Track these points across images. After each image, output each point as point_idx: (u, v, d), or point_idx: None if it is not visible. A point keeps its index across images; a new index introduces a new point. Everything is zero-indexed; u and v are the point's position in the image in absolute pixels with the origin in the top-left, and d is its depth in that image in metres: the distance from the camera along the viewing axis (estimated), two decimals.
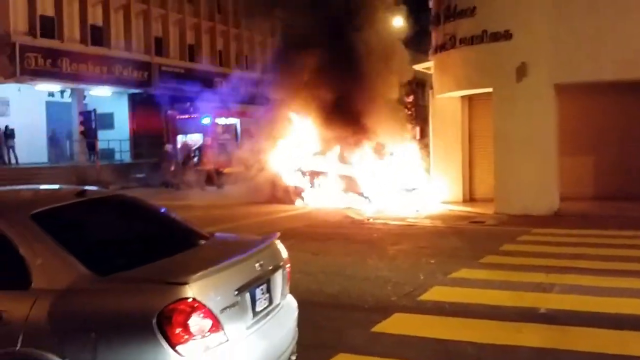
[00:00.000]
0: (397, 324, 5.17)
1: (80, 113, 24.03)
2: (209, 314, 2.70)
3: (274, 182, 16.00)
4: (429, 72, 15.62)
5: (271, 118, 16.98)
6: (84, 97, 26.02)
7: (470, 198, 14.58)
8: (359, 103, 15.69)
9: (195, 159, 22.66)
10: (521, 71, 11.99)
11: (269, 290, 3.28)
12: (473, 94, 14.11)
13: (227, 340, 2.79)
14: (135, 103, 27.84)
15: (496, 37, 12.28)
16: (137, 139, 27.41)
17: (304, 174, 15.91)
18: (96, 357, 2.59)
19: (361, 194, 14.68)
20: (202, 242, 3.52)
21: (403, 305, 5.75)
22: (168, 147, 22.84)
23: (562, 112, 12.61)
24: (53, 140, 25.48)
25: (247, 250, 3.19)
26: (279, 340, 3.26)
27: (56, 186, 4.19)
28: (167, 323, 2.59)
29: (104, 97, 26.92)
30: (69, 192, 3.53)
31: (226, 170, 20.58)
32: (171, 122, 24.23)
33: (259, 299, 3.15)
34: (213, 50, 32.58)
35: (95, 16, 26.10)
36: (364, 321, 5.20)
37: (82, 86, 25.31)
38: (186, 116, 23.68)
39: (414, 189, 14.70)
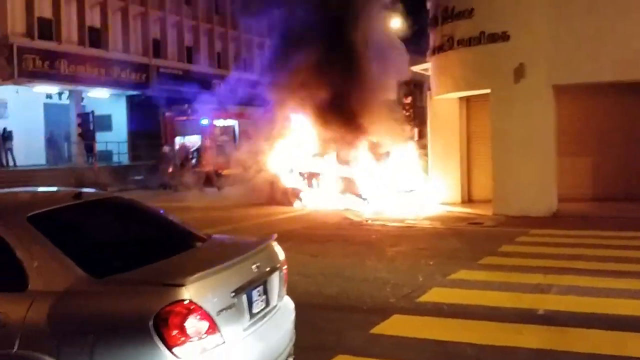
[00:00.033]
0: (396, 326, 5.17)
1: (78, 115, 24.01)
2: (206, 315, 2.70)
3: (272, 184, 15.99)
4: (427, 73, 15.64)
5: (269, 119, 16.99)
6: (82, 98, 25.99)
7: (468, 199, 14.59)
8: (357, 104, 15.70)
9: (194, 161, 22.65)
10: (519, 72, 12.00)
11: (265, 292, 3.27)
12: (471, 95, 14.12)
13: (224, 342, 2.79)
14: (133, 105, 27.82)
15: (494, 38, 12.30)
16: (135, 141, 27.37)
17: (302, 175, 15.90)
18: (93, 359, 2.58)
19: (359, 196, 14.68)
20: (199, 244, 3.52)
21: (402, 306, 5.74)
22: (166, 148, 22.82)
23: (562, 113, 12.62)
24: (51, 142, 25.45)
25: (243, 252, 3.19)
26: (276, 342, 3.26)
27: (53, 188, 4.18)
28: (164, 325, 2.59)
29: (102, 98, 26.90)
30: (66, 194, 3.53)
31: (224, 172, 20.57)
32: (169, 123, 24.21)
33: (256, 300, 3.14)
34: (211, 52, 32.58)
35: (93, 18, 26.09)
36: (362, 323, 5.19)
37: (80, 88, 25.29)
38: (184, 118, 23.67)
39: (412, 191, 14.71)
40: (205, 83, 27.90)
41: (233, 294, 2.92)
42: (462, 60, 13.14)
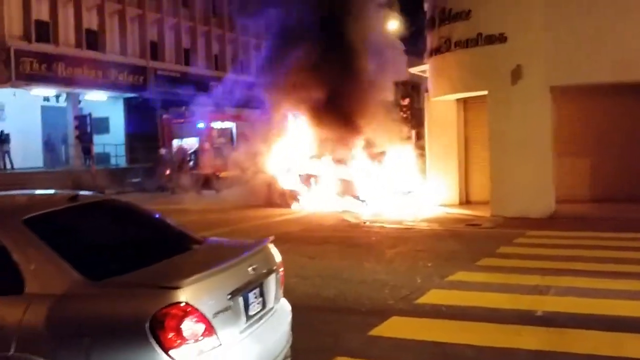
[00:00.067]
0: (394, 328, 5.16)
1: (76, 117, 23.96)
2: (202, 318, 2.70)
3: (270, 186, 15.99)
4: (425, 75, 15.66)
5: (267, 121, 16.99)
6: (79, 101, 25.96)
7: (466, 201, 14.60)
8: (354, 105, 15.71)
9: (191, 163, 22.62)
10: (516, 74, 12.03)
11: (262, 294, 3.27)
12: (468, 97, 14.14)
13: (220, 344, 2.78)
14: (131, 107, 27.81)
15: (491, 40, 12.32)
16: (133, 143, 27.35)
17: (300, 177, 15.90)
18: None
19: (357, 197, 14.68)
20: (195, 246, 3.51)
21: (400, 308, 5.73)
22: (162, 151, 22.79)
23: (560, 114, 12.65)
24: (48, 145, 25.40)
25: (239, 254, 3.19)
26: (272, 344, 3.25)
27: (50, 191, 4.17)
28: (160, 327, 2.58)
29: (100, 101, 26.87)
30: (62, 197, 3.53)
31: (222, 174, 20.55)
32: (167, 126, 24.18)
33: (252, 302, 3.14)
34: (209, 54, 32.59)
35: (91, 20, 26.08)
36: (361, 324, 5.18)
37: (77, 90, 25.26)
38: (182, 120, 23.64)
39: (410, 192, 14.71)
40: (202, 85, 27.91)
41: (229, 296, 2.91)
42: (459, 61, 13.16)
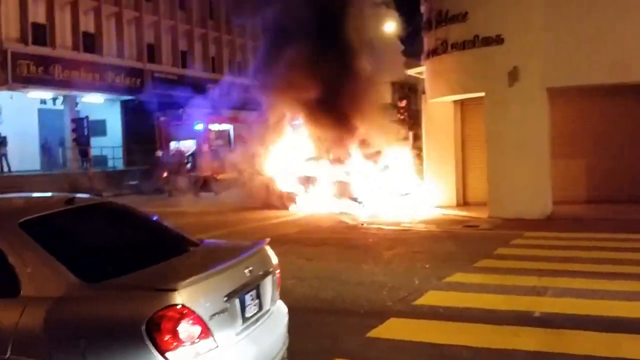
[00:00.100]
0: (392, 329, 5.16)
1: (73, 120, 23.92)
2: (198, 320, 2.69)
3: (268, 188, 15.98)
4: (422, 76, 15.69)
5: (264, 123, 16.98)
6: (76, 104, 25.94)
7: (463, 202, 14.62)
8: (351, 106, 15.72)
9: (189, 165, 22.61)
10: (513, 75, 12.06)
11: (258, 296, 3.27)
12: (466, 99, 14.17)
13: (217, 346, 2.78)
14: (128, 110, 27.78)
15: (488, 41, 12.35)
16: (130, 146, 27.32)
17: (297, 179, 15.89)
18: None
19: (355, 199, 14.68)
20: (192, 248, 3.51)
21: (398, 310, 5.73)
22: (159, 153, 22.77)
23: (556, 116, 12.68)
24: (45, 148, 25.35)
25: (236, 257, 3.19)
26: (269, 346, 3.25)
27: (47, 194, 4.16)
28: (156, 330, 2.58)
29: (97, 104, 26.84)
30: (58, 199, 3.52)
31: (220, 177, 20.54)
32: (164, 128, 24.17)
33: (249, 304, 3.14)
34: (205, 57, 32.60)
35: (87, 23, 26.06)
36: (359, 326, 5.18)
37: (74, 93, 25.23)
38: (179, 122, 23.63)
39: (407, 194, 14.72)
40: (199, 87, 27.89)
41: (226, 298, 2.91)
42: (456, 63, 13.19)
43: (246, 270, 3.16)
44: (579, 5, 11.68)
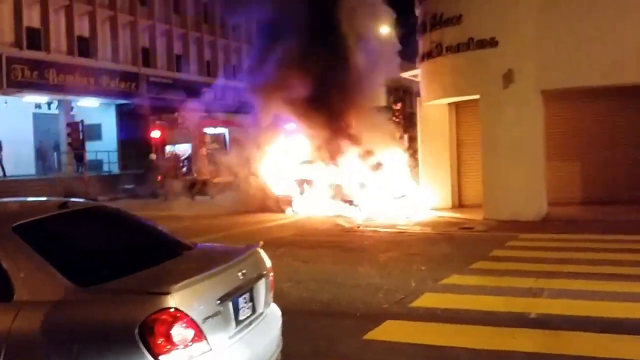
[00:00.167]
0: (389, 331, 5.15)
1: (68, 124, 23.84)
2: (192, 323, 2.69)
3: (264, 191, 15.96)
4: (416, 79, 15.72)
5: (259, 126, 16.96)
6: (71, 108, 25.83)
7: (459, 204, 14.64)
8: (346, 109, 15.73)
9: (184, 169, 22.57)
10: (508, 78, 12.10)
11: (252, 299, 3.27)
12: (460, 101, 14.20)
13: (210, 349, 2.78)
14: (123, 114, 27.72)
15: (482, 44, 12.39)
16: (125, 150, 27.25)
17: (293, 182, 15.88)
18: None
19: (351, 202, 14.68)
20: (186, 252, 3.51)
21: (394, 312, 5.73)
22: (152, 156, 22.73)
23: (550, 118, 12.73)
24: (40, 152, 25.25)
25: (229, 260, 3.19)
26: (262, 349, 3.25)
27: (41, 198, 4.15)
28: (150, 333, 2.57)
29: (92, 108, 26.77)
30: (52, 204, 3.52)
31: (215, 180, 20.50)
32: (159, 132, 24.11)
33: (242, 307, 3.14)
34: (200, 61, 32.58)
35: (82, 27, 26.00)
36: (355, 328, 5.17)
37: (69, 97, 25.16)
38: (174, 126, 23.58)
39: (403, 196, 14.73)
40: (194, 91, 27.83)
41: (219, 301, 2.91)
42: (451, 66, 13.23)
43: (239, 274, 3.16)
44: (573, 8, 11.73)
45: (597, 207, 12.71)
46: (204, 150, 23.01)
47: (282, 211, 15.04)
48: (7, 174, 22.58)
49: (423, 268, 7.69)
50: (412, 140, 18.05)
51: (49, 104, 25.56)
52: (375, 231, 11.48)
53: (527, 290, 6.33)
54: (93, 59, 26.09)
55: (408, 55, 17.31)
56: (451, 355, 4.53)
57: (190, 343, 2.68)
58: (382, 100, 17.67)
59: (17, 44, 23.13)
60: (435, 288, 6.63)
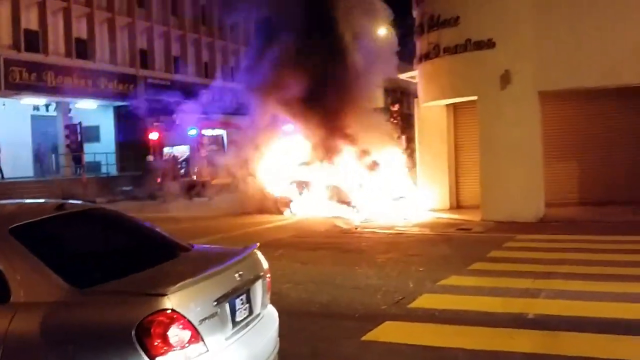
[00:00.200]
0: (388, 332, 5.15)
1: (66, 126, 23.84)
2: (188, 325, 2.69)
3: (262, 193, 15.95)
4: (414, 81, 15.74)
5: (257, 128, 16.97)
6: (69, 110, 25.80)
7: (457, 205, 14.66)
8: (344, 110, 15.74)
9: (182, 171, 22.58)
10: (505, 79, 12.12)
11: (249, 301, 3.27)
12: (458, 102, 14.23)
13: (207, 350, 2.78)
14: (121, 115, 27.70)
15: (480, 45, 12.42)
16: (123, 152, 27.23)
17: (291, 183, 15.88)
18: None
19: (349, 203, 14.69)
20: (183, 253, 3.51)
21: (393, 313, 5.73)
22: (150, 158, 22.73)
23: (547, 118, 12.75)
24: (38, 154, 25.22)
25: (226, 261, 3.19)
26: (259, 350, 3.25)
27: (38, 200, 4.14)
28: (146, 335, 2.57)
29: (90, 110, 26.75)
30: (49, 206, 3.52)
31: (214, 182, 20.51)
32: (157, 134, 24.12)
33: (239, 309, 3.14)
34: (199, 62, 32.58)
35: (80, 29, 25.99)
36: (354, 330, 5.17)
37: (67, 99, 25.13)
38: (172, 128, 23.60)
39: (401, 197, 14.75)
40: (192, 93, 27.85)
41: (215, 302, 2.91)
42: (448, 67, 13.25)
43: (236, 275, 3.16)
44: (571, 9, 11.76)
45: (595, 208, 12.73)
46: (203, 152, 23.03)
47: (281, 213, 15.04)
48: (5, 176, 22.54)
49: (421, 269, 7.70)
50: (410, 141, 18.08)
51: (47, 106, 25.53)
52: (374, 232, 11.48)
53: (524, 291, 6.34)
54: (91, 60, 26.08)
55: (406, 56, 17.35)
56: (449, 356, 4.54)
57: (187, 344, 2.68)
58: (379, 101, 17.66)
59: (15, 46, 23.11)
60: (433, 289, 6.63)
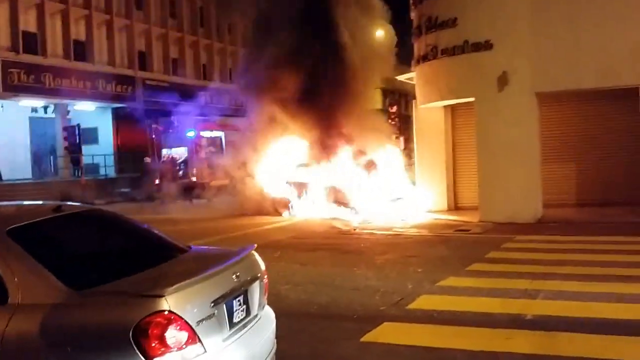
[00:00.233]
0: (386, 333, 5.16)
1: (64, 128, 23.82)
2: (186, 326, 2.69)
3: (261, 194, 15.95)
4: (412, 82, 15.76)
5: (256, 129, 16.97)
6: (68, 112, 25.80)
7: (455, 206, 14.67)
8: (342, 112, 15.75)
9: (181, 173, 22.57)
10: (502, 80, 12.14)
11: (246, 302, 3.27)
12: (456, 104, 14.24)
13: (205, 352, 2.78)
14: (119, 117, 27.68)
15: (477, 47, 12.44)
16: (122, 154, 27.21)
17: (290, 185, 15.89)
18: None
19: (347, 205, 14.69)
20: (180, 255, 3.52)
21: (392, 314, 5.74)
22: (147, 160, 22.71)
23: (545, 120, 12.78)
24: (37, 156, 25.19)
25: (223, 262, 3.19)
26: (257, 351, 3.25)
27: (35, 202, 4.14)
28: (144, 336, 2.57)
29: (88, 111, 26.73)
30: (46, 207, 3.51)
31: (212, 183, 20.50)
32: (156, 136, 24.13)
33: (236, 310, 3.14)
34: (197, 64, 32.58)
35: (78, 31, 25.98)
36: (353, 331, 5.18)
37: (65, 101, 25.11)
38: (171, 130, 23.61)
39: (399, 199, 14.76)
40: (191, 95, 27.87)
41: (213, 304, 2.91)
42: (446, 69, 13.27)
43: (233, 276, 3.17)
44: (567, 11, 11.78)
45: (593, 209, 12.75)
46: (201, 154, 23.03)
47: (279, 214, 15.04)
48: (4, 178, 22.51)
49: (420, 270, 7.70)
50: (408, 142, 18.11)
51: (45, 108, 25.50)
52: (372, 234, 11.48)
53: (523, 291, 6.34)
54: (89, 62, 26.07)
55: (403, 58, 17.38)
56: (448, 357, 4.54)
57: (184, 346, 2.68)
58: (378, 103, 17.69)
59: (14, 48, 23.09)
60: (432, 290, 6.63)
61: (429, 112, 14.73)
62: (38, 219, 3.27)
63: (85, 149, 24.14)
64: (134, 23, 28.44)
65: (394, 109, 23.41)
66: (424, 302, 6.10)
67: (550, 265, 7.58)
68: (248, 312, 3.28)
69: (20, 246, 2.89)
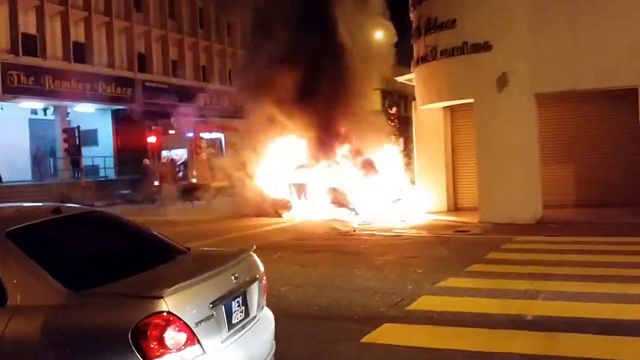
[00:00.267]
0: (386, 334, 5.15)
1: (64, 130, 23.82)
2: (184, 327, 2.69)
3: (261, 196, 15.96)
4: (411, 83, 15.77)
5: (255, 131, 16.98)
6: (67, 114, 25.83)
7: (454, 207, 14.67)
8: (342, 113, 15.75)
9: (181, 174, 22.57)
10: (502, 81, 12.15)
11: (245, 303, 3.27)
12: (455, 105, 14.25)
13: (203, 353, 2.78)
14: (119, 119, 27.70)
15: (476, 48, 12.45)
16: (122, 155, 27.22)
17: (290, 186, 15.89)
18: None
19: (347, 206, 14.69)
20: (179, 256, 3.52)
21: (392, 315, 5.73)
22: (146, 161, 22.72)
23: (544, 121, 12.78)
24: (36, 158, 25.20)
25: (222, 264, 3.20)
26: (256, 353, 3.25)
27: (35, 204, 4.15)
28: (143, 337, 2.57)
29: (88, 113, 26.75)
30: (45, 209, 3.52)
31: (212, 185, 20.51)
32: (155, 137, 24.12)
33: (235, 311, 3.14)
34: (196, 66, 32.61)
35: (78, 33, 26.01)
36: (353, 332, 5.17)
37: (65, 103, 25.14)
38: (170, 131, 23.61)
39: (399, 200, 14.77)
40: (190, 96, 27.89)
41: (211, 305, 2.91)
42: (445, 70, 13.28)
43: (232, 277, 3.17)
44: (566, 12, 11.79)
45: (592, 210, 12.75)
46: (204, 155, 23.03)
47: (279, 215, 15.04)
48: (3, 180, 22.51)
49: (420, 271, 7.70)
50: (408, 143, 18.12)
51: (44, 109, 25.52)
52: (372, 235, 11.48)
53: (523, 292, 6.34)
54: (89, 64, 26.09)
55: (403, 59, 17.38)
56: (448, 358, 4.54)
57: (183, 347, 2.68)
58: (377, 104, 17.71)
59: (13, 50, 23.11)
60: (432, 291, 6.63)
61: (428, 113, 14.74)
62: (37, 221, 3.27)
63: (85, 150, 24.14)
64: (134, 25, 28.47)
65: (394, 110, 23.42)
66: (424, 303, 6.10)
67: (550, 265, 7.58)
68: (247, 313, 3.28)
69: (20, 248, 2.90)
